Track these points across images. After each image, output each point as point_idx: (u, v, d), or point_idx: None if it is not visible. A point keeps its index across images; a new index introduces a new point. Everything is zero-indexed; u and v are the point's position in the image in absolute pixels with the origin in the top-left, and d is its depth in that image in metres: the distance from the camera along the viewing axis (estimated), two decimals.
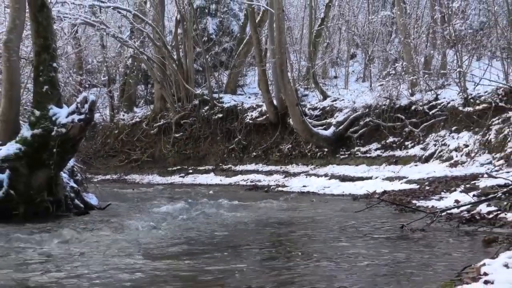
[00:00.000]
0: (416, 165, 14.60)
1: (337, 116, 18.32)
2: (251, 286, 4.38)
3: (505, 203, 7.87)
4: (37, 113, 9.44)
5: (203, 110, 21.77)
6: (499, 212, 7.62)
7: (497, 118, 13.52)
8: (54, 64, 9.88)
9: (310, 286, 4.39)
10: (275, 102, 19.47)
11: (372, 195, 11.66)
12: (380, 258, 5.49)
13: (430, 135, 15.55)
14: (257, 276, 4.81)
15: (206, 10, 25.10)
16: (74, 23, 21.26)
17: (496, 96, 14.12)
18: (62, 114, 9.38)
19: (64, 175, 9.97)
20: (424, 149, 15.27)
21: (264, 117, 20.04)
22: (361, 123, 17.50)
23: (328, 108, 19.18)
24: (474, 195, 8.95)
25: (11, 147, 9.20)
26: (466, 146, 13.92)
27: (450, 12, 17.81)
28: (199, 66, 23.80)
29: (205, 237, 6.98)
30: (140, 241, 6.64)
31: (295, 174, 17.14)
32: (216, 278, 4.66)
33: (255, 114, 20.57)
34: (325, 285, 4.45)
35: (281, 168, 18.32)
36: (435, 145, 15.01)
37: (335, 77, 24.07)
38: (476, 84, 15.15)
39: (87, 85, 24.60)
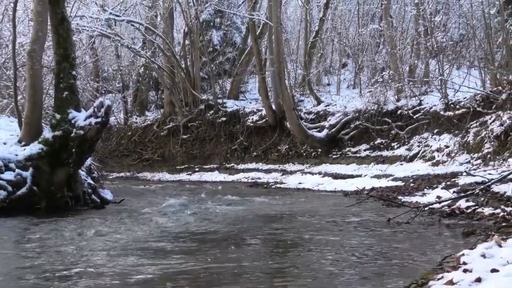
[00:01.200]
0: (401, 164, 14.59)
1: (329, 119, 18.32)
2: (249, 275, 4.39)
3: (482, 199, 7.87)
4: (58, 116, 9.45)
5: (208, 114, 21.76)
6: (476, 207, 7.62)
7: (475, 121, 13.52)
8: (73, 72, 9.90)
9: (301, 274, 4.40)
10: (273, 107, 19.48)
11: (362, 192, 11.65)
12: (368, 249, 5.48)
13: (414, 137, 15.54)
14: (257, 267, 4.81)
15: (211, 23, 25.06)
16: (91, 35, 21.32)
17: (474, 102, 14.13)
18: (80, 118, 9.40)
19: (82, 173, 9.98)
20: (408, 149, 15.25)
21: (264, 120, 20.04)
22: (352, 126, 17.49)
23: (321, 112, 19.17)
24: (454, 192, 8.94)
25: (34, 147, 9.22)
26: (447, 147, 13.92)
27: (432, 26, 17.85)
28: (205, 74, 23.77)
29: (210, 231, 6.95)
30: (149, 234, 6.65)
31: (291, 172, 17.11)
32: (218, 271, 4.65)
33: (255, 117, 20.57)
34: (316, 274, 4.45)
35: (279, 166, 18.30)
36: (418, 146, 14.99)
37: (328, 84, 24.06)
38: (456, 91, 15.16)
39: (103, 91, 24.64)
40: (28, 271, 4.48)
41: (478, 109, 13.77)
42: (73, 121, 9.34)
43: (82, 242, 5.99)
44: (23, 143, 9.49)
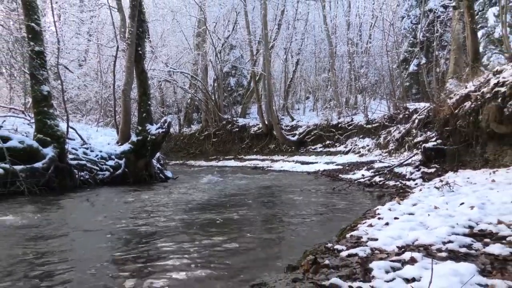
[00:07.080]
0: (341, 156, 14.60)
1: (299, 130, 18.32)
2: (248, 221, 4.38)
3: (388, 176, 7.89)
4: (140, 128, 9.47)
5: (228, 127, 21.73)
6: (385, 181, 7.64)
7: (384, 131, 13.56)
8: (149, 102, 9.91)
9: (280, 215, 4.39)
10: (266, 122, 19.45)
11: (318, 172, 11.66)
12: (322, 204, 5.48)
13: (349, 140, 15.55)
14: (259, 213, 4.80)
15: (230, 73, 25.01)
16: (159, 80, 21.32)
17: (383, 119, 14.16)
18: (152, 129, 9.41)
19: (153, 161, 9.99)
20: (345, 147, 15.26)
21: (261, 130, 20.00)
22: (312, 133, 17.49)
23: (294, 125, 19.16)
24: (372, 172, 8.96)
25: (126, 146, 9.24)
26: (368, 145, 13.94)
27: (359, 74, 17.87)
28: (226, 103, 23.75)
29: (232, 193, 6.93)
30: (195, 195, 6.64)
31: (277, 161, 17.02)
32: (231, 221, 4.63)
33: (255, 128, 20.51)
34: (288, 217, 4.45)
35: (269, 157, 18.23)
36: (351, 145, 15.01)
37: (298, 109, 24.04)
38: (373, 113, 15.19)
39: (166, 113, 24.58)
40: (130, 214, 4.49)
41: (386, 123, 13.79)
42: (148, 131, 9.36)
43: (153, 201, 5.99)
44: (119, 143, 9.51)
